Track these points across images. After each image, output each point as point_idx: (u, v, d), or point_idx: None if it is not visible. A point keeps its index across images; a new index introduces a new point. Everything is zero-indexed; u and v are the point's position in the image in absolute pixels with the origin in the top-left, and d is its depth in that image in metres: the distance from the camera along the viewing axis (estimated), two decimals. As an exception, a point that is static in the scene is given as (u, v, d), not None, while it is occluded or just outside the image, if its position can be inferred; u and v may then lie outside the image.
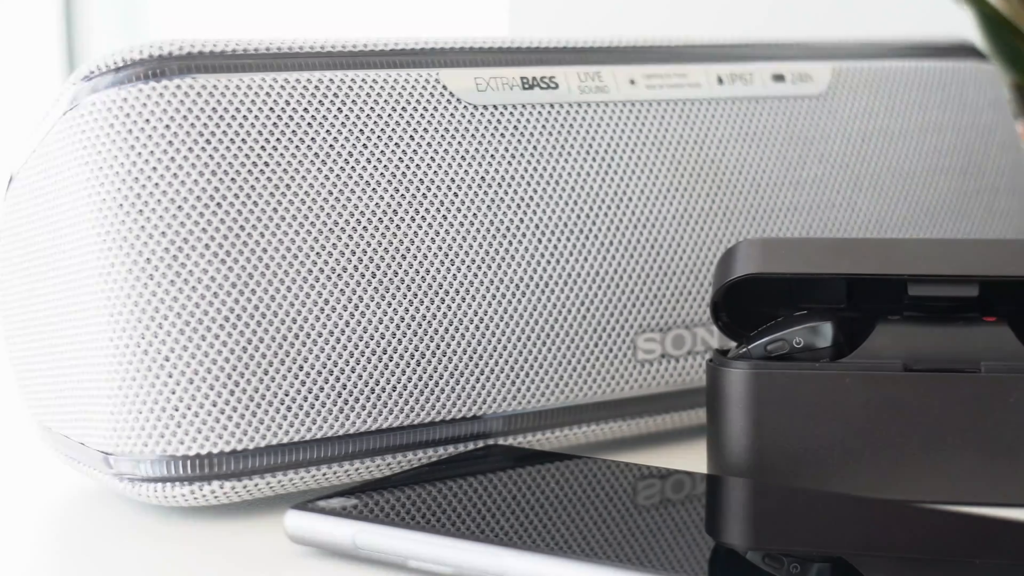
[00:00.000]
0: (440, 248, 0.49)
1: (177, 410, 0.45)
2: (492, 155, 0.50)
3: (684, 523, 0.44)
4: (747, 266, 0.48)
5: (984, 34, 0.71)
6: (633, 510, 0.44)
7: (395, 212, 0.48)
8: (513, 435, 0.51)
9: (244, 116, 0.46)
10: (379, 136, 0.48)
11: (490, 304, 0.50)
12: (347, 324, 0.47)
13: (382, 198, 0.48)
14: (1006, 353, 0.46)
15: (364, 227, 0.48)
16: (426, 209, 0.49)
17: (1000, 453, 0.46)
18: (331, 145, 0.48)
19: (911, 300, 0.48)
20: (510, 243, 0.51)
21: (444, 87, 0.50)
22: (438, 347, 0.49)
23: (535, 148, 0.51)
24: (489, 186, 0.50)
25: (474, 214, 0.50)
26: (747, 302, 0.50)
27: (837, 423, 0.47)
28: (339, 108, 0.48)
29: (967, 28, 0.72)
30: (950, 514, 0.43)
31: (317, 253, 0.47)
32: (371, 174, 0.48)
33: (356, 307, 0.48)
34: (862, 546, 0.43)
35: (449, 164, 0.50)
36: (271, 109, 0.47)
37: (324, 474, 0.48)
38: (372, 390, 0.48)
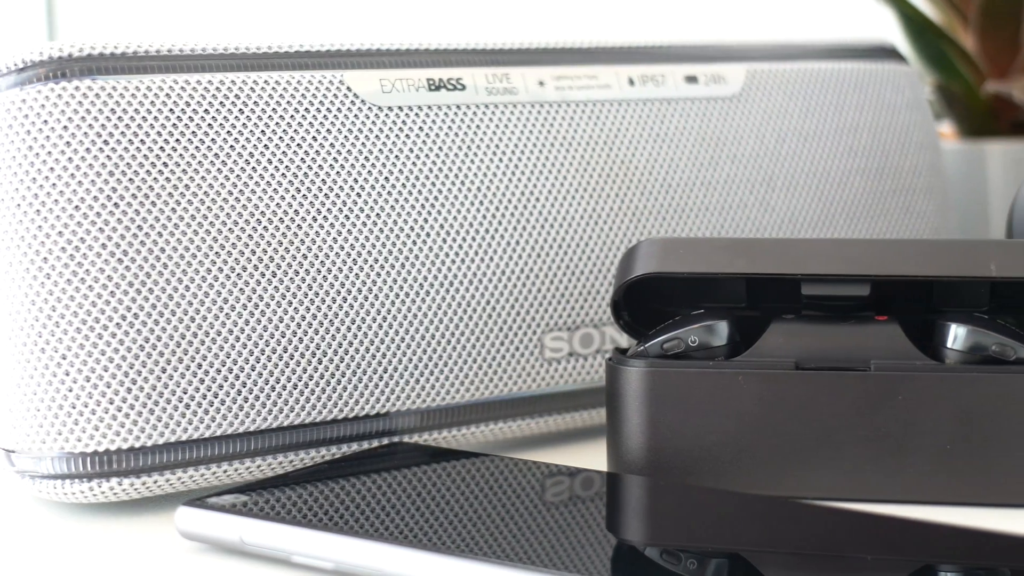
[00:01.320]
0: (342, 248, 0.50)
1: (75, 408, 0.46)
2: (396, 156, 0.51)
3: (585, 521, 0.45)
4: (646, 265, 0.49)
5: (907, 36, 0.72)
6: (533, 508, 0.45)
7: (296, 212, 0.49)
8: (419, 432, 0.52)
9: (143, 117, 0.47)
10: (281, 137, 0.49)
11: (393, 303, 0.51)
12: (247, 323, 0.48)
13: (283, 198, 0.49)
14: (895, 352, 0.47)
15: (264, 227, 0.48)
16: (328, 209, 0.50)
17: (889, 450, 0.47)
18: (231, 146, 0.48)
19: (807, 299, 0.49)
20: (414, 243, 0.51)
21: (348, 89, 0.51)
22: (340, 345, 0.50)
23: (440, 149, 0.52)
24: (393, 186, 0.51)
25: (376, 214, 0.50)
26: (650, 301, 0.50)
27: (730, 421, 0.47)
28: (240, 110, 0.49)
29: (894, 30, 0.73)
30: (841, 511, 0.44)
31: (216, 253, 0.48)
32: (272, 175, 0.49)
33: (256, 306, 0.48)
34: (757, 542, 0.43)
35: (352, 165, 0.50)
36: (171, 111, 0.47)
37: (225, 471, 0.48)
38: (273, 388, 0.49)
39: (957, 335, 0.47)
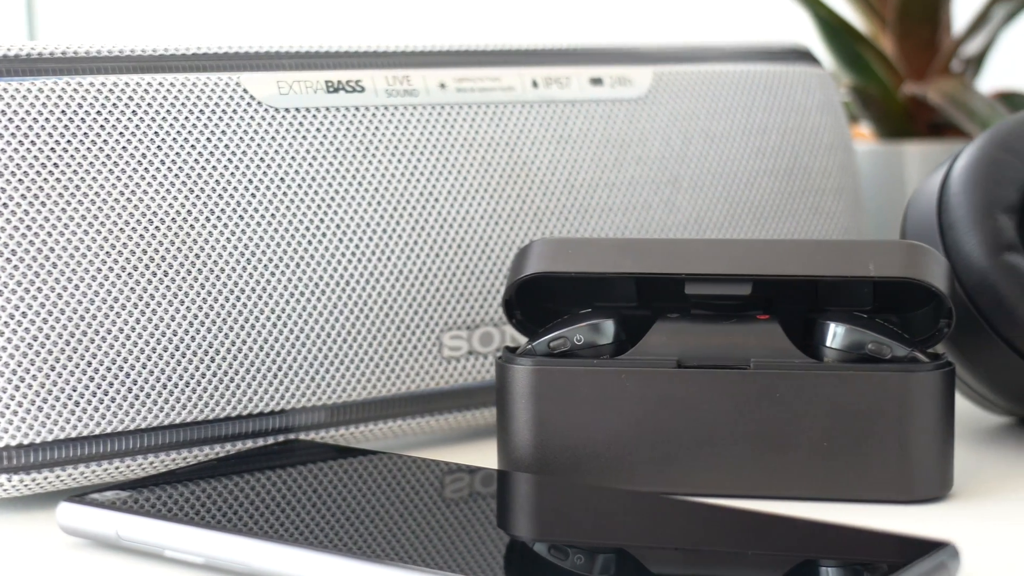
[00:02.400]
0: (236, 248, 0.50)
1: (-36, 405, 0.47)
2: (293, 157, 0.52)
3: (475, 518, 0.45)
4: (535, 265, 0.50)
5: (823, 38, 0.72)
6: (423, 505, 0.45)
7: (189, 212, 0.50)
8: (316, 430, 0.53)
9: (34, 119, 0.48)
10: (175, 139, 0.50)
11: (287, 302, 0.51)
12: (137, 322, 0.49)
13: (176, 199, 0.50)
14: (774, 350, 0.48)
15: (157, 227, 0.49)
16: (222, 209, 0.50)
17: (767, 447, 0.47)
18: (124, 147, 0.49)
19: (693, 299, 0.49)
20: (309, 243, 0.52)
21: (245, 91, 0.51)
22: (233, 344, 0.50)
23: (338, 150, 0.53)
24: (289, 187, 0.52)
25: (272, 215, 0.51)
26: (544, 300, 0.51)
27: (614, 418, 0.48)
28: (133, 111, 0.49)
29: (813, 33, 0.73)
30: (721, 508, 0.44)
31: (107, 252, 0.48)
32: (165, 175, 0.49)
33: (148, 305, 0.49)
34: (641, 538, 0.44)
35: (247, 166, 0.51)
36: (63, 112, 0.48)
37: (117, 468, 0.49)
38: (164, 386, 0.49)
39: (835, 334, 0.47)
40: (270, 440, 0.52)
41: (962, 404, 0.58)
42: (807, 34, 0.72)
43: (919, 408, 0.47)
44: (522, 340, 0.56)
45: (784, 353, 0.48)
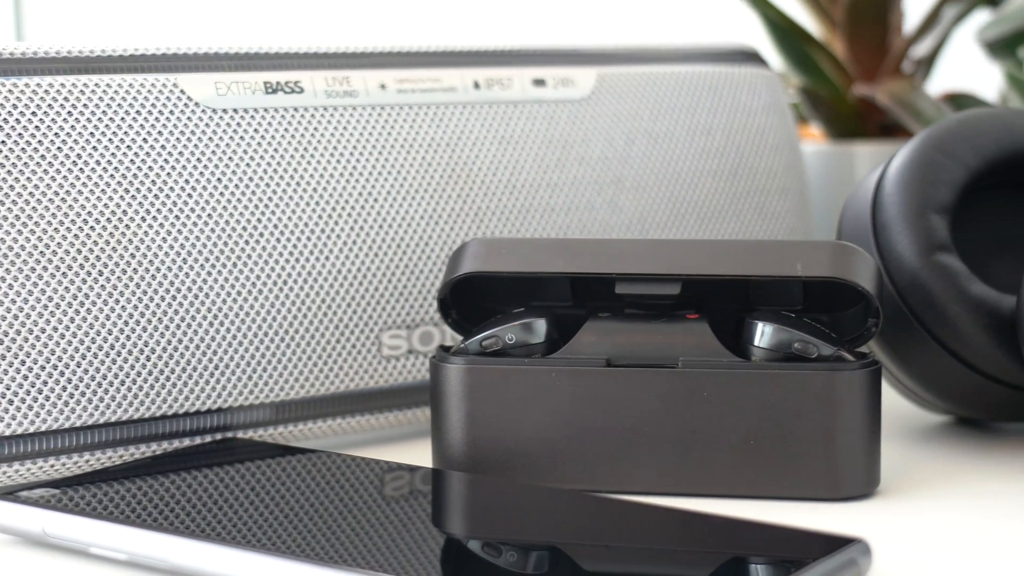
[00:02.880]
0: (172, 247, 0.51)
1: (-103, 403, 0.47)
2: (231, 158, 0.52)
3: (409, 516, 0.46)
4: (469, 265, 0.50)
5: (772, 40, 0.73)
6: (359, 504, 0.46)
7: (124, 212, 0.50)
8: (255, 428, 0.53)
9: (-32, 120, 0.48)
10: (111, 139, 0.50)
11: (224, 301, 0.52)
12: (71, 320, 0.49)
13: (111, 199, 0.50)
14: (703, 349, 0.48)
15: (91, 227, 0.49)
16: (158, 210, 0.51)
17: (695, 445, 0.48)
18: (59, 148, 0.49)
19: (628, 298, 0.50)
20: (246, 243, 0.52)
21: (183, 92, 0.52)
22: (169, 343, 0.51)
23: (276, 150, 0.53)
24: (226, 187, 0.52)
25: (208, 215, 0.52)
26: (481, 300, 0.52)
27: (545, 417, 0.49)
28: (69, 112, 0.50)
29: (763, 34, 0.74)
30: (649, 506, 0.45)
31: (41, 252, 0.49)
32: (100, 176, 0.50)
33: (82, 304, 0.49)
34: (572, 536, 0.44)
35: (183, 166, 0.51)
36: (-3, 113, 0.49)
37: (52, 466, 0.49)
38: (99, 384, 0.50)
39: (762, 333, 0.48)
40: (208, 438, 0.52)
41: (900, 403, 0.59)
42: (759, 36, 0.72)
43: (844, 407, 0.47)
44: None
45: (712, 352, 0.48)
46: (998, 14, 0.69)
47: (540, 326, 0.49)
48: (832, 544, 0.40)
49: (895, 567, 0.42)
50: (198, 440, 0.52)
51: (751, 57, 0.65)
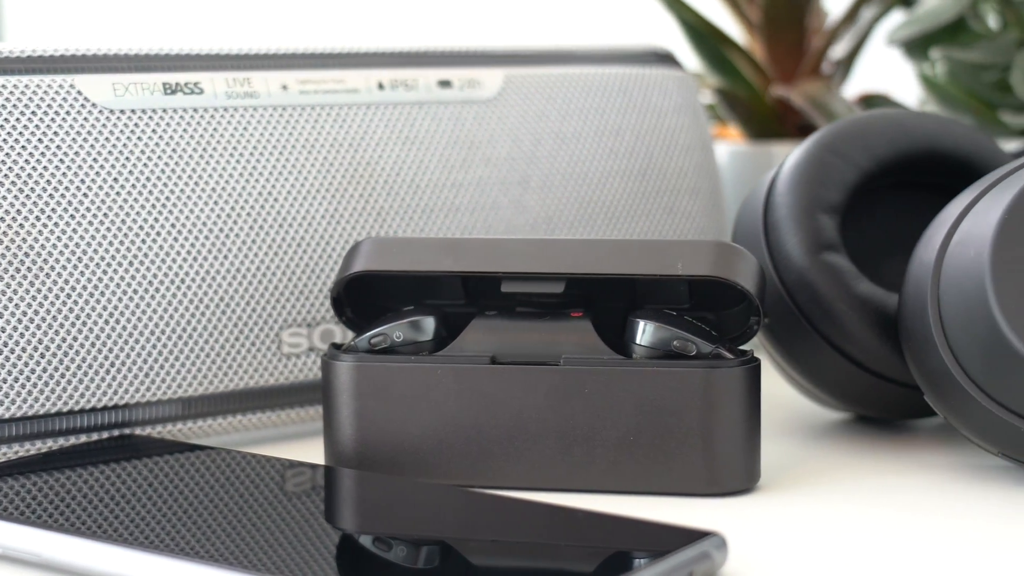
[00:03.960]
0: (67, 247, 0.51)
1: None
2: (128, 158, 0.53)
3: (302, 513, 0.46)
4: (361, 263, 0.51)
5: (689, 41, 0.73)
6: (253, 501, 0.46)
7: (19, 212, 0.51)
8: (154, 424, 0.54)
9: None
10: (4, 139, 0.51)
11: (120, 300, 0.52)
12: (-36, 318, 0.50)
13: (4, 199, 0.51)
14: (585, 347, 0.49)
15: (-15, 226, 0.50)
16: (52, 209, 0.51)
17: (576, 442, 0.49)
18: (-49, 148, 0.50)
19: (519, 297, 0.50)
20: (143, 242, 0.53)
21: (80, 92, 0.52)
22: (64, 340, 0.51)
23: (175, 151, 0.54)
24: (123, 187, 0.53)
25: (104, 214, 0.52)
26: (377, 298, 0.52)
27: (431, 414, 0.49)
28: (-38, 112, 0.50)
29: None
30: (531, 503, 0.45)
31: (-68, 251, 0.49)
32: (-7, 175, 0.51)
33: (-25, 302, 0.50)
34: (460, 531, 0.45)
35: (79, 167, 0.52)
36: None
37: (-54, 462, 0.50)
38: (-8, 381, 0.50)
39: (643, 331, 0.49)
40: (105, 435, 0.53)
41: (800, 401, 0.60)
42: (679, 39, 0.73)
43: (722, 403, 0.48)
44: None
45: (594, 350, 0.49)
46: (909, 15, 0.69)
47: (428, 324, 0.50)
48: (687, 537, 0.40)
49: (765, 560, 0.43)
50: (95, 437, 0.53)
51: (664, 59, 0.66)
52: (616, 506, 0.46)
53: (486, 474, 0.49)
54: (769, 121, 0.73)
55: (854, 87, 0.75)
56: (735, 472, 0.48)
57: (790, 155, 0.55)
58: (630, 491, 0.48)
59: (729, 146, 0.73)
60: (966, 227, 0.49)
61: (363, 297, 0.52)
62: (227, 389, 0.55)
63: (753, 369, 0.48)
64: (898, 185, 0.57)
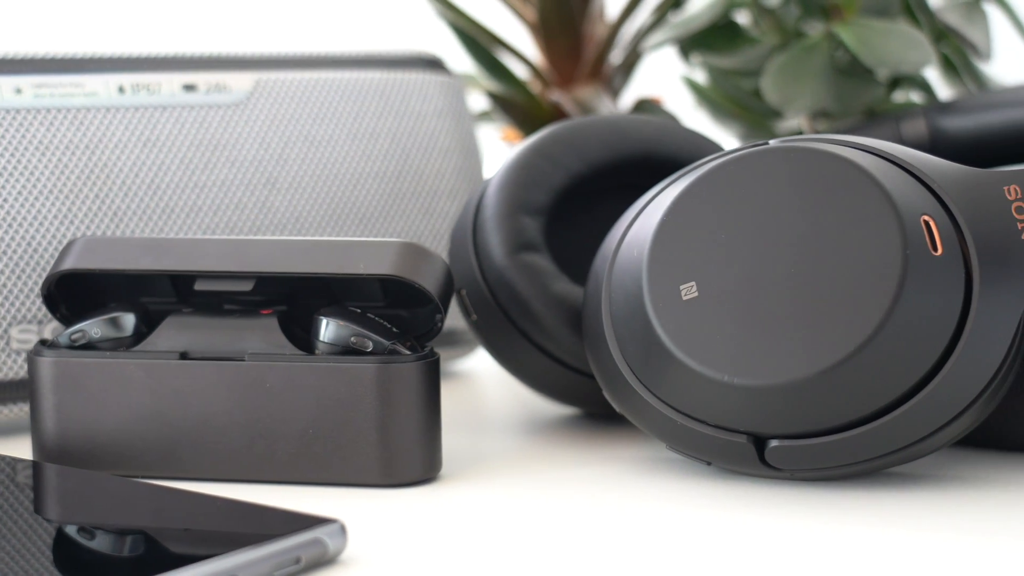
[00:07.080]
0: None
1: None
2: None
3: (12, 507, 0.48)
4: (70, 262, 0.52)
5: (461, 45, 0.75)
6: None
7: None
8: None
9: None
10: None
11: None
12: None
13: None
14: (269, 343, 0.51)
15: None
16: None
17: (260, 435, 0.50)
18: None
19: (224, 295, 0.52)
20: None
21: None
22: None
23: (-101, 153, 0.55)
24: None
25: None
26: (95, 296, 0.54)
27: (125, 409, 0.51)
28: None
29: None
30: (173, 491, 0.47)
31: None
32: None
33: None
34: (155, 521, 0.47)
35: None
36: None
37: None
38: None
39: (325, 328, 0.50)
40: None
41: (530, 398, 0.62)
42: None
43: (396, 397, 0.50)
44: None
45: (278, 346, 0.51)
46: (665, 23, 0.71)
47: (127, 321, 0.52)
48: (301, 523, 0.42)
49: (429, 548, 0.45)
50: None
51: (430, 63, 0.68)
52: (297, 497, 0.47)
53: (177, 466, 0.51)
54: (547, 124, 0.74)
55: (636, 92, 0.77)
56: (412, 464, 0.50)
57: (505, 159, 0.57)
58: (311, 482, 0.50)
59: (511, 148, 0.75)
60: (636, 227, 0.50)
61: (83, 294, 0.54)
62: (-46, 384, 0.56)
63: (430, 364, 0.50)
64: (623, 187, 0.58)
